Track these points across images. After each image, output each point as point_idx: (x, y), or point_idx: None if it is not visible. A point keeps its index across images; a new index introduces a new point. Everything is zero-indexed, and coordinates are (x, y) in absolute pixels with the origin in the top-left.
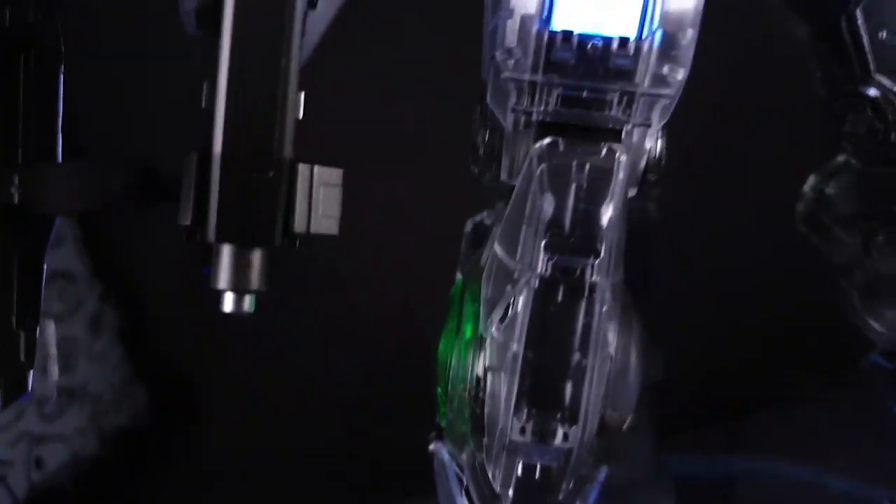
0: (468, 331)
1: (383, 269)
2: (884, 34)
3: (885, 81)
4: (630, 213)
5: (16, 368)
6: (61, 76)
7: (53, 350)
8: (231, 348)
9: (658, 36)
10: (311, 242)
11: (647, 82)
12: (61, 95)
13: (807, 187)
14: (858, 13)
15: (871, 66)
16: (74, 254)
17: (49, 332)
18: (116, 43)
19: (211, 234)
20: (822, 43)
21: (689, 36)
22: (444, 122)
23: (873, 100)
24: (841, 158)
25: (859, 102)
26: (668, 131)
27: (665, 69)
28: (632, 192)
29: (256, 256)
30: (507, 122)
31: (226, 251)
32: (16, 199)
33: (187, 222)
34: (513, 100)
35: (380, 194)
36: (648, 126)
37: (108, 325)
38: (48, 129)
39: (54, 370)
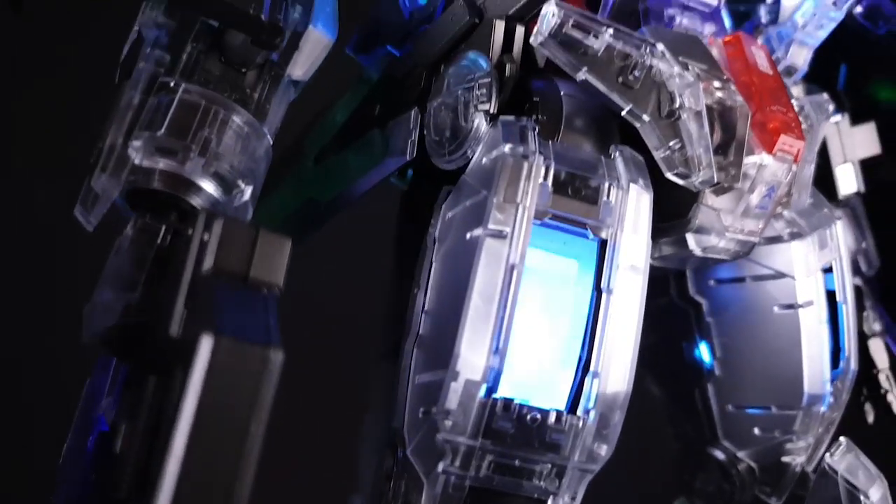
0: None
1: None
2: (730, 407)
3: (730, 447)
4: None
5: None
6: None
7: None
8: None
9: (593, 415)
10: None
11: (577, 457)
12: None
13: None
14: (709, 387)
15: (720, 433)
16: None
17: None
18: None
19: None
20: (678, 404)
21: (618, 417)
22: None
23: (720, 462)
24: None
25: (708, 462)
26: None
27: (595, 445)
28: None
29: None
30: (434, 481)
31: None
32: None
33: None
34: (446, 461)
35: None
36: (574, 500)
37: None
38: None
39: None
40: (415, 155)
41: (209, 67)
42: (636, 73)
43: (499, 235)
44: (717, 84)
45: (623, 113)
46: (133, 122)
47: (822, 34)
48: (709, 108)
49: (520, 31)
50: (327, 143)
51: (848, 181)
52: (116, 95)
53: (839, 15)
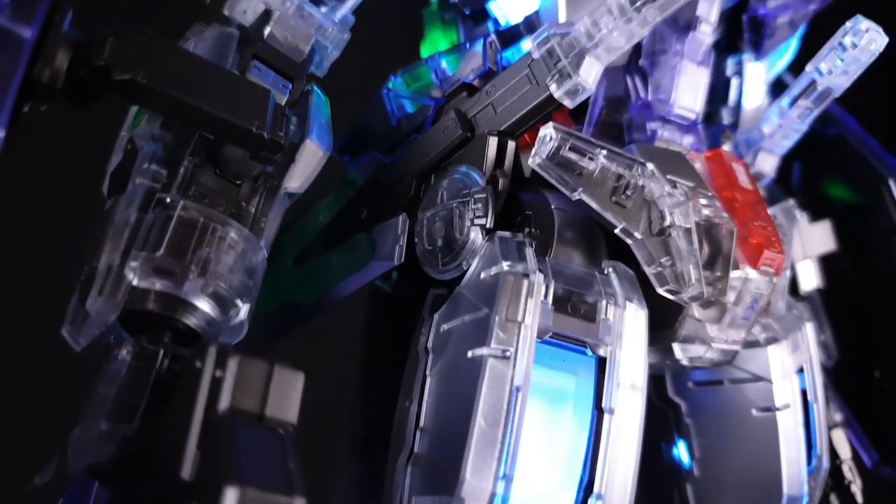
0: None
1: None
2: None
3: None
4: None
5: None
6: None
7: None
8: None
9: None
10: None
11: None
12: None
13: None
14: (688, 487)
15: None
16: None
17: None
18: None
19: None
20: None
21: None
22: None
23: None
24: None
25: None
26: None
27: None
28: None
29: None
30: None
31: None
32: None
33: None
34: None
35: None
36: None
37: None
38: None
39: None
40: (403, 260)
41: (204, 180)
42: (628, 192)
43: (502, 356)
44: (703, 201)
45: (616, 231)
46: (130, 242)
47: (788, 144)
48: (696, 225)
49: (511, 145)
50: (308, 243)
51: (808, 278)
52: (110, 211)
53: (803, 127)
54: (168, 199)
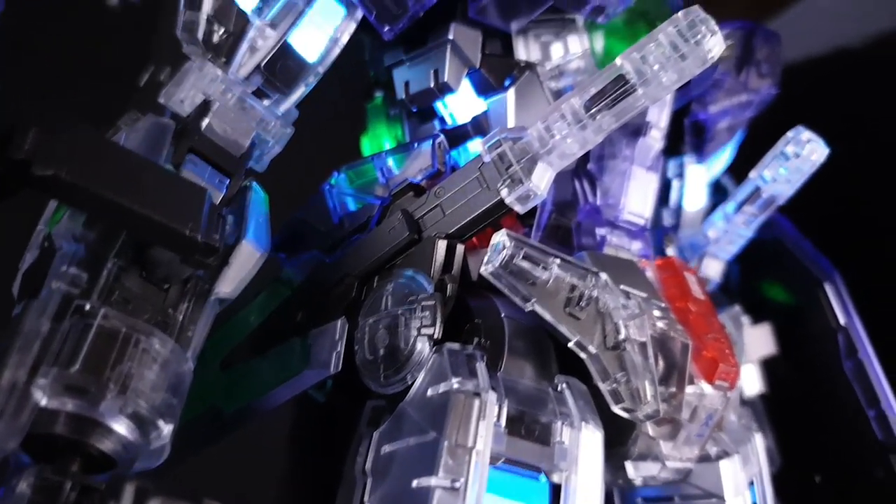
0: None
1: None
2: None
3: None
4: None
5: None
6: None
7: None
8: None
9: None
10: None
11: None
12: None
13: None
14: None
15: None
16: None
17: None
18: None
19: None
20: None
21: None
22: None
23: None
24: None
25: None
26: None
27: None
28: None
29: None
30: None
31: None
32: None
33: None
34: None
35: None
36: None
37: None
38: None
39: None
40: (340, 369)
41: (129, 285)
42: (582, 303)
43: (451, 488)
44: (657, 313)
45: (570, 344)
46: (40, 355)
47: (733, 249)
48: (651, 339)
49: (460, 249)
50: (236, 346)
51: (752, 383)
52: (19, 317)
53: (748, 232)
54: (87, 307)
